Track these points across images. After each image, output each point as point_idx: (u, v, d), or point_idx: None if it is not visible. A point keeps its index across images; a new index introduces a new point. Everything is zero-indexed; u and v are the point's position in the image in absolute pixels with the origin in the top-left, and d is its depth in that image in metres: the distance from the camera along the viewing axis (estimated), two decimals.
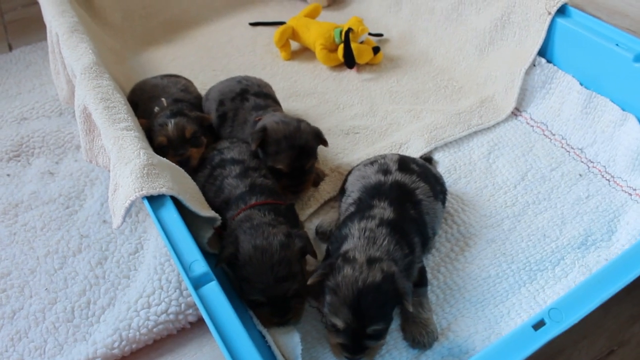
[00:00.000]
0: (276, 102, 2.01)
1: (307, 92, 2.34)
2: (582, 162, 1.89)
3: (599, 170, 1.85)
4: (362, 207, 1.47)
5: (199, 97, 2.10)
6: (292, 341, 1.40)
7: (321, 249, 1.67)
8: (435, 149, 1.97)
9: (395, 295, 1.26)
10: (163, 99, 1.92)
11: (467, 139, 2.01)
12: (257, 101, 1.91)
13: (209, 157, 1.76)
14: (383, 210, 1.44)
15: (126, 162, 1.41)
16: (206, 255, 1.38)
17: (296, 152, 1.69)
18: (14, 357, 1.48)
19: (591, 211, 1.73)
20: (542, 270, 1.59)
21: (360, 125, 2.14)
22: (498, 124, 2.07)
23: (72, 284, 1.66)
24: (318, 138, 1.75)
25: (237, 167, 1.67)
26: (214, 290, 1.17)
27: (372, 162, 1.65)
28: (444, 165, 1.91)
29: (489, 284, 1.56)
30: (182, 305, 1.55)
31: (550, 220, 1.71)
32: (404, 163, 1.60)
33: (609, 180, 1.82)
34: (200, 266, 1.21)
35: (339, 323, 1.26)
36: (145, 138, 1.66)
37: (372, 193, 1.50)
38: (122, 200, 1.35)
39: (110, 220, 1.84)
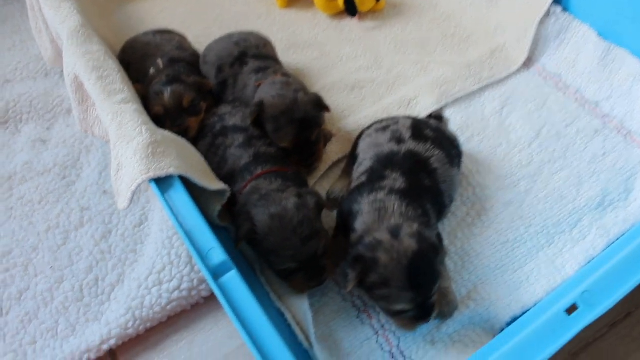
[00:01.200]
0: (276, 62, 1.89)
1: (306, 43, 2.21)
2: (597, 116, 1.82)
3: (615, 126, 1.79)
4: (374, 178, 1.41)
5: (195, 54, 1.97)
6: (302, 308, 1.39)
7: (332, 216, 1.61)
8: (446, 105, 1.89)
9: (433, 249, 1.24)
10: (159, 60, 1.79)
11: (478, 94, 1.93)
12: (256, 64, 1.80)
13: (209, 124, 1.67)
14: (394, 181, 1.38)
15: (128, 141, 1.32)
16: (219, 234, 1.33)
17: (296, 126, 1.59)
18: (26, 339, 1.45)
19: (608, 169, 1.68)
20: (560, 233, 1.56)
21: (366, 78, 2.04)
22: (510, 76, 1.98)
23: (77, 260, 1.61)
24: (318, 106, 1.66)
25: (240, 136, 1.59)
26: (234, 279, 1.12)
27: (384, 127, 1.56)
28: (455, 122, 1.83)
29: (507, 249, 1.53)
30: (195, 281, 1.52)
31: (567, 180, 1.67)
32: (418, 129, 1.52)
33: (625, 136, 1.76)
34: (218, 254, 1.15)
35: (406, 306, 1.23)
36: (143, 107, 1.56)
37: (385, 163, 1.44)
38: (127, 183, 1.27)
39: (110, 191, 1.76)
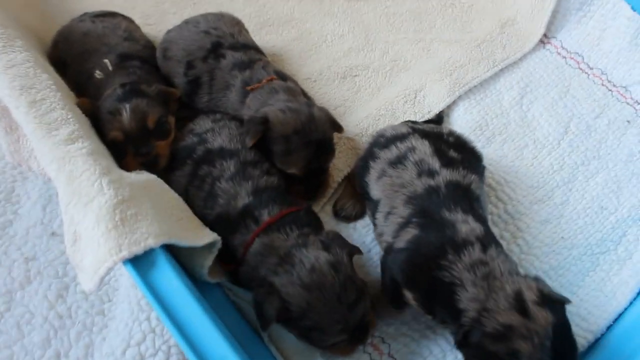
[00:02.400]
0: (258, 51, 1.54)
1: (281, 20, 1.85)
2: (627, 103, 1.61)
3: None
4: (435, 228, 1.11)
5: (148, 46, 1.59)
6: None
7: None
8: (459, 97, 1.61)
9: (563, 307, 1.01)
10: (106, 61, 1.41)
11: (493, 80, 1.66)
12: (236, 56, 1.45)
13: (186, 146, 1.33)
14: (468, 225, 1.09)
15: (85, 202, 0.98)
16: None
17: (313, 150, 1.30)
18: None
19: None
20: (604, 253, 1.37)
21: (358, 64, 1.72)
22: (525, 56, 1.71)
23: (29, 330, 1.26)
24: (334, 125, 1.36)
25: (230, 163, 1.27)
26: None
27: (398, 158, 1.25)
28: (472, 119, 1.56)
29: (551, 279, 1.33)
30: None
31: (605, 186, 1.46)
32: (441, 153, 1.24)
33: None
34: None
35: None
36: (95, 136, 1.20)
37: (431, 204, 1.15)
38: (92, 264, 0.94)
39: (60, 232, 1.40)
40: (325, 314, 1.06)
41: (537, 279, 1.04)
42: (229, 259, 1.20)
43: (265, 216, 1.18)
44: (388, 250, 1.18)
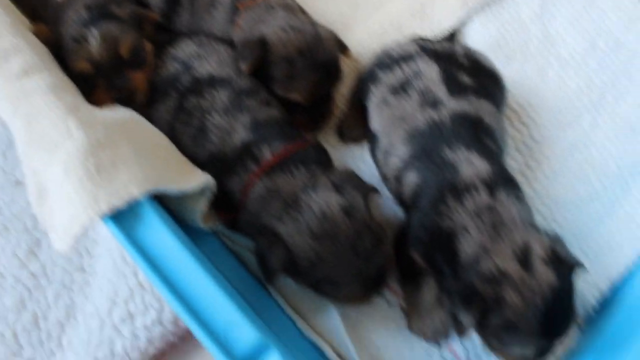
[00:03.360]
0: None
1: None
2: None
3: None
4: (435, 171, 0.99)
5: None
6: (339, 333, 1.06)
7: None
8: (474, 10, 1.41)
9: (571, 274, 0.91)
10: None
11: None
12: None
13: (168, 75, 1.14)
14: (472, 165, 0.97)
15: (49, 149, 0.80)
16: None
17: (320, 74, 1.13)
18: None
19: None
20: (636, 179, 1.24)
21: None
22: None
23: (0, 294, 1.13)
24: (340, 46, 1.20)
25: (223, 92, 1.09)
26: None
27: (402, 84, 1.10)
28: (489, 35, 1.38)
29: (580, 209, 1.21)
30: None
31: (636, 107, 1.32)
32: (451, 78, 1.09)
33: None
34: (245, 332, 0.73)
35: (530, 352, 0.91)
36: (56, 65, 1.00)
37: (432, 142, 1.02)
38: (64, 222, 0.78)
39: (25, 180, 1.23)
40: (338, 266, 0.94)
41: (556, 239, 0.94)
42: (226, 206, 1.04)
43: (267, 154, 1.02)
44: (400, 202, 1.09)
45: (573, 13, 1.43)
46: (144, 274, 0.95)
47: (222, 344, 0.72)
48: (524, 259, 0.87)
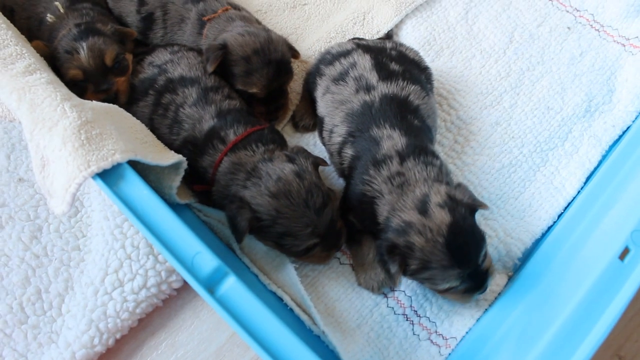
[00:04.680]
0: None
1: None
2: (567, 11, 1.67)
3: (587, 20, 1.65)
4: (364, 146, 1.18)
5: None
6: (296, 286, 1.20)
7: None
8: (407, 15, 1.65)
9: (470, 211, 1.07)
10: (57, 3, 1.40)
11: None
12: None
13: (147, 78, 1.34)
14: (392, 140, 1.16)
15: (50, 126, 0.99)
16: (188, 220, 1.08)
17: (273, 69, 1.33)
18: None
19: (588, 71, 1.56)
20: (553, 149, 1.45)
21: None
22: None
23: (7, 272, 1.30)
24: (291, 49, 1.40)
25: (192, 90, 1.29)
26: (235, 289, 0.90)
27: (341, 74, 1.29)
28: (420, 35, 1.61)
29: (504, 175, 1.41)
30: (163, 274, 1.27)
31: (550, 88, 1.53)
32: (381, 66, 1.28)
33: (598, 30, 1.63)
34: (207, 259, 0.92)
35: (454, 282, 1.07)
36: (55, 76, 1.20)
37: (364, 121, 1.20)
38: (62, 183, 0.97)
39: (27, 177, 1.42)
40: (294, 218, 1.11)
41: (458, 186, 1.12)
42: (200, 181, 1.23)
43: (232, 136, 1.22)
44: (342, 174, 1.26)
45: (493, 13, 1.67)
46: (128, 219, 1.12)
47: (189, 268, 0.90)
48: (423, 207, 1.04)
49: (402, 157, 1.13)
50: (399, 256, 1.04)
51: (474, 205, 1.07)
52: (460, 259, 1.04)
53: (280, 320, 0.88)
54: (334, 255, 1.30)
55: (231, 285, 0.90)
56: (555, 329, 0.92)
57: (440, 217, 1.03)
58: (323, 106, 1.31)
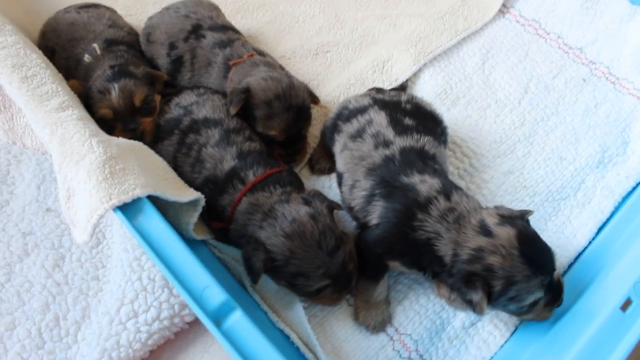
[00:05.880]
0: (236, 32, 1.64)
1: (255, 5, 1.94)
2: (583, 64, 1.71)
3: (602, 73, 1.68)
4: (398, 195, 1.19)
5: (132, 32, 1.68)
6: (303, 325, 1.23)
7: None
8: (424, 65, 1.71)
9: (526, 220, 1.16)
10: (95, 45, 1.50)
11: (456, 48, 1.76)
12: (215, 36, 1.55)
13: (173, 118, 1.41)
14: (426, 183, 1.18)
15: (77, 160, 1.06)
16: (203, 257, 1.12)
17: (292, 114, 1.39)
18: None
19: (602, 122, 1.59)
20: (565, 199, 1.46)
21: (329, 41, 1.82)
22: (486, 25, 1.81)
23: (28, 298, 1.35)
24: (311, 96, 1.47)
25: (215, 131, 1.35)
26: (241, 322, 0.93)
27: (358, 132, 1.33)
28: (437, 84, 1.66)
29: None
30: (176, 307, 1.30)
31: (564, 139, 1.56)
32: (397, 122, 1.32)
33: (614, 83, 1.66)
34: (216, 293, 0.96)
35: (539, 292, 1.08)
36: (85, 110, 1.28)
37: (390, 173, 1.23)
38: (85, 214, 1.03)
39: (55, 207, 1.49)
40: (306, 259, 1.14)
41: (496, 207, 1.16)
42: (219, 218, 1.28)
43: (251, 176, 1.26)
44: (364, 227, 1.26)
45: (509, 64, 1.72)
46: (143, 250, 1.17)
47: (198, 300, 0.94)
48: (485, 231, 1.08)
49: (446, 194, 1.16)
50: (480, 281, 1.07)
51: (524, 215, 1.13)
52: (539, 265, 1.07)
53: (282, 356, 0.91)
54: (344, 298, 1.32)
55: (237, 319, 0.93)
56: None
57: (505, 232, 1.07)
58: (342, 162, 1.34)
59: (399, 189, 1.20)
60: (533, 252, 1.06)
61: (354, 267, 1.25)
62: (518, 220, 1.11)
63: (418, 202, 1.16)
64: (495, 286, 1.07)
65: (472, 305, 1.09)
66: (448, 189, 1.18)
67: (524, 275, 1.05)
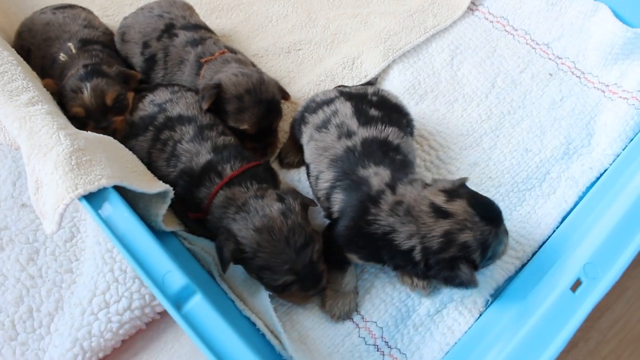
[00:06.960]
0: (209, 30, 1.67)
1: (230, 5, 1.98)
2: (549, 59, 1.75)
3: (568, 67, 1.72)
4: (354, 188, 1.22)
5: (107, 32, 1.71)
6: (269, 313, 1.24)
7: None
8: (394, 61, 1.74)
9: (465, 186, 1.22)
10: (70, 44, 1.53)
11: (425, 45, 1.80)
12: (188, 35, 1.58)
13: (148, 115, 1.44)
14: (378, 176, 1.21)
15: (45, 152, 1.09)
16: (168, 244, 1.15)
17: (263, 108, 1.43)
18: None
19: (568, 115, 1.62)
20: (530, 189, 1.50)
21: (301, 39, 1.86)
22: (455, 22, 1.85)
23: (2, 291, 1.38)
24: (281, 92, 1.50)
25: (189, 127, 1.38)
26: (200, 306, 0.96)
27: (324, 122, 1.35)
28: (406, 79, 1.70)
29: None
30: (147, 297, 1.33)
31: (530, 131, 1.59)
32: (361, 113, 1.35)
33: (579, 77, 1.70)
34: (177, 278, 0.98)
35: (506, 238, 1.18)
36: (57, 106, 1.31)
37: (350, 165, 1.25)
38: (52, 204, 1.06)
39: (29, 203, 1.52)
40: (273, 253, 1.16)
41: (434, 181, 1.19)
42: (195, 210, 1.30)
43: (228, 170, 1.29)
44: (329, 217, 1.30)
45: (477, 60, 1.75)
46: (107, 238, 1.21)
47: (159, 285, 0.97)
48: (440, 212, 1.11)
49: (392, 187, 1.18)
50: (462, 262, 1.10)
51: (462, 181, 1.18)
52: (495, 217, 1.14)
53: (242, 338, 0.94)
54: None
55: (197, 302, 0.96)
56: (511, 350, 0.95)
57: (460, 206, 1.11)
58: (308, 153, 1.38)
59: (355, 182, 1.23)
60: (486, 210, 1.12)
61: (324, 267, 1.26)
62: (459, 189, 1.15)
63: (370, 196, 1.18)
64: (475, 258, 1.11)
65: (464, 285, 1.11)
66: (395, 180, 1.20)
67: (492, 234, 1.11)
